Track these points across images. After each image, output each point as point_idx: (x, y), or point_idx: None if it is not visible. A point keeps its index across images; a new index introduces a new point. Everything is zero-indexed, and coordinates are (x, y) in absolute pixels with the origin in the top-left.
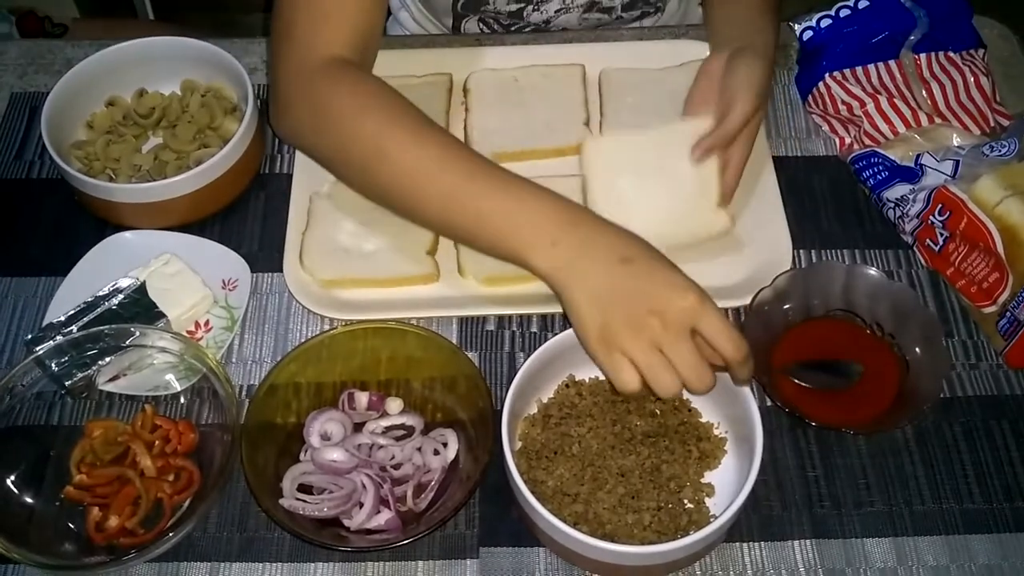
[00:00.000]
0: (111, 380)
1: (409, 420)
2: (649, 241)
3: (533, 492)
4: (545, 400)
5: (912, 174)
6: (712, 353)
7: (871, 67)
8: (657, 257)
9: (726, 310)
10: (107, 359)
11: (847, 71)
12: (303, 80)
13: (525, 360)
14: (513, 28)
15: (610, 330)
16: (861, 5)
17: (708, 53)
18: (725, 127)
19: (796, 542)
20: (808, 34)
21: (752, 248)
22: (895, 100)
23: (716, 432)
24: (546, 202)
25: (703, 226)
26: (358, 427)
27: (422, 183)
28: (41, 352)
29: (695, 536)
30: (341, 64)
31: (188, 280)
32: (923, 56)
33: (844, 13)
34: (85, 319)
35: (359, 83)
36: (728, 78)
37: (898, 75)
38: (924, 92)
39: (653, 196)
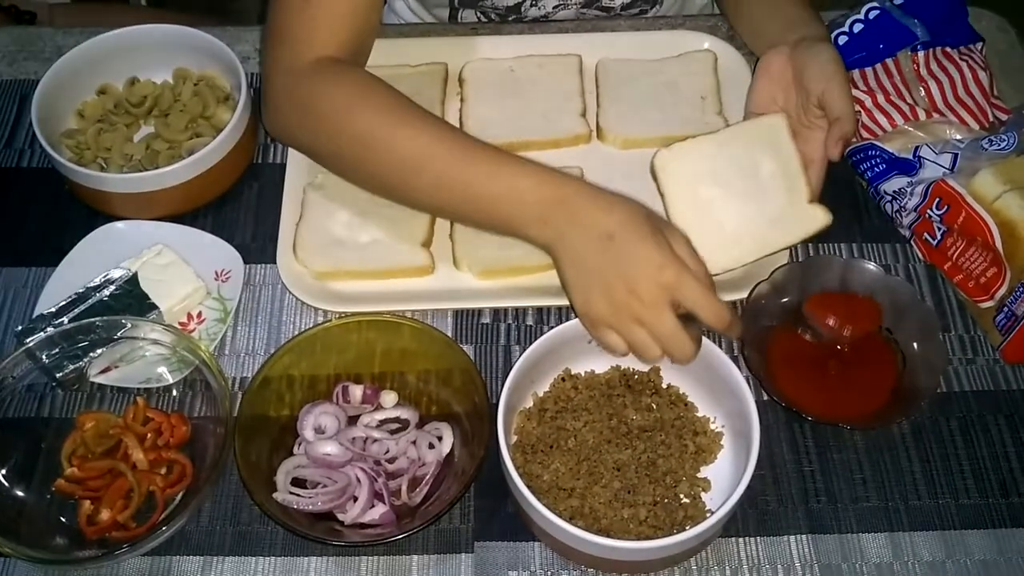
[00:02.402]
0: (103, 372)
1: (404, 413)
2: (751, 248)
3: (529, 486)
4: (541, 394)
5: (910, 166)
6: None
7: (868, 69)
8: (640, 231)
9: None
10: (99, 351)
11: None
12: (292, 81)
13: (521, 353)
14: (511, 19)
15: (594, 307)
16: (856, 29)
17: (707, 48)
18: (848, 111)
19: (792, 537)
20: None
21: None
22: (892, 97)
23: (712, 427)
24: (534, 180)
25: (803, 225)
26: (352, 420)
27: (413, 172)
28: (32, 343)
29: (691, 531)
30: (329, 62)
31: (180, 271)
32: (921, 53)
33: (843, 40)
34: (76, 310)
35: (346, 78)
36: (809, 69)
37: (896, 75)
38: (922, 91)
39: (740, 201)
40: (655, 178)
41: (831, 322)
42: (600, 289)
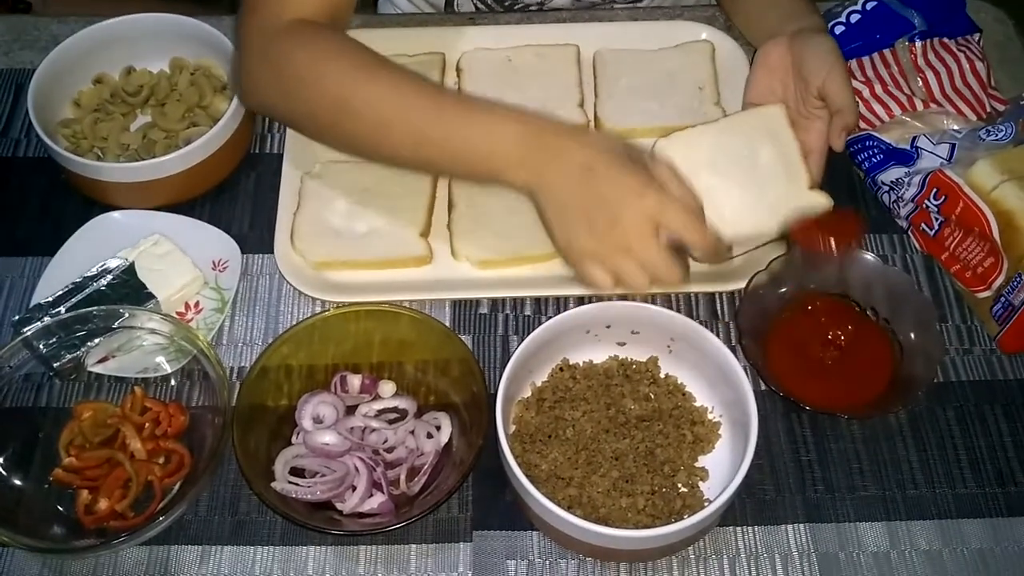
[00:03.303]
0: (100, 362)
1: (402, 403)
2: (753, 234)
3: (527, 476)
4: (539, 383)
5: (907, 157)
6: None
7: (865, 58)
8: (619, 161)
9: (721, 293)
10: (96, 340)
11: None
12: (267, 43)
13: (519, 343)
14: (507, 3)
15: (577, 240)
16: (853, 19)
17: (697, 39)
18: (850, 102)
19: (790, 526)
20: None
21: None
22: (889, 88)
23: (710, 416)
24: (510, 123)
25: (803, 210)
26: (351, 410)
27: (388, 129)
28: (29, 333)
29: (689, 520)
30: (302, 24)
31: (178, 261)
32: (918, 44)
33: (839, 30)
34: (73, 300)
35: (320, 38)
36: (809, 61)
37: (893, 65)
38: (920, 82)
39: (741, 188)
40: None
41: (819, 243)
42: (583, 222)
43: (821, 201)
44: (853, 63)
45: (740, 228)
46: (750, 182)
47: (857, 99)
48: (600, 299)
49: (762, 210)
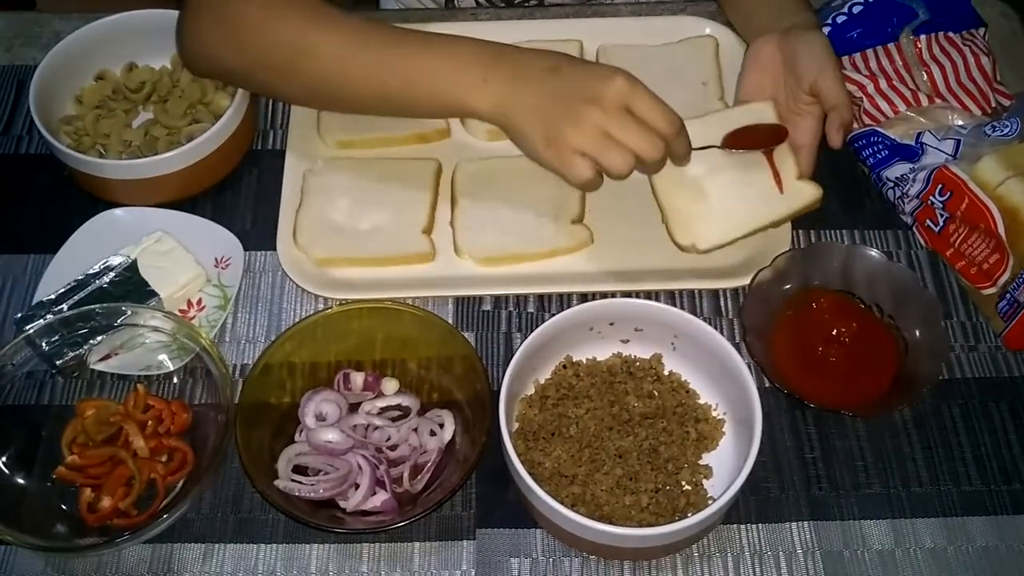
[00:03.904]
0: (103, 359)
1: (405, 401)
2: (741, 222)
3: (530, 473)
4: (542, 381)
5: (912, 152)
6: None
7: (869, 52)
8: (580, 60)
9: (725, 290)
10: (98, 338)
11: (844, 59)
12: (214, 2)
13: (522, 340)
14: None
15: (555, 132)
16: (856, 10)
17: (699, 33)
18: (844, 99)
19: (794, 524)
20: None
21: None
22: (894, 82)
23: (714, 414)
24: (468, 48)
25: (792, 199)
26: (353, 408)
27: (348, 66)
28: (31, 331)
29: (693, 518)
30: None
31: (180, 258)
32: (923, 38)
33: (841, 19)
34: (76, 297)
35: None
36: (801, 58)
37: (898, 59)
38: (925, 76)
39: (731, 180)
40: None
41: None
42: (557, 114)
43: (809, 190)
44: (857, 57)
45: (731, 218)
46: (738, 172)
47: (861, 94)
48: (604, 296)
49: (751, 198)
